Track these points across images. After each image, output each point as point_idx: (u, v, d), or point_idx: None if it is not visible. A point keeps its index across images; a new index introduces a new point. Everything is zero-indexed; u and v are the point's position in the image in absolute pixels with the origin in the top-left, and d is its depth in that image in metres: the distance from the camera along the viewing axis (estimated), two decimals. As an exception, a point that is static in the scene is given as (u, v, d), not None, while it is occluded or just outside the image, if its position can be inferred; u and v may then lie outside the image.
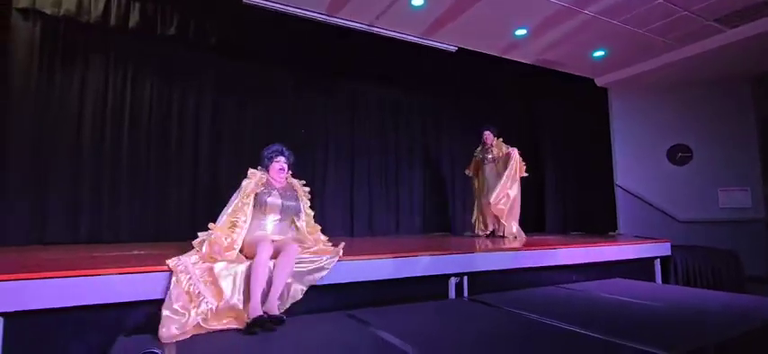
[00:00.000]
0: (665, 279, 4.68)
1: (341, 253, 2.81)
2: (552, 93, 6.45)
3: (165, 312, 2.17)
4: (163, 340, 2.07)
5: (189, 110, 4.71)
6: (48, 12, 3.94)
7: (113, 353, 1.94)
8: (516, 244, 4.15)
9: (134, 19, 4.20)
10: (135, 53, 4.45)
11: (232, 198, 2.77)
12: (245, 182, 2.81)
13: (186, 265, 2.33)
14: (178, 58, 4.65)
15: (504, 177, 4.84)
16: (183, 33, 4.38)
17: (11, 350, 2.00)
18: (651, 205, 6.15)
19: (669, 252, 4.69)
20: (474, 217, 5.36)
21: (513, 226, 4.92)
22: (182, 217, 4.53)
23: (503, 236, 4.91)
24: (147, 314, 2.26)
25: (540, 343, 2.11)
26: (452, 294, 3.24)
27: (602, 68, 6.09)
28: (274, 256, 2.58)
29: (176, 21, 4.39)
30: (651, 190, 6.21)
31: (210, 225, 2.63)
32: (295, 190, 3.02)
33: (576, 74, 6.29)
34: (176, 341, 2.08)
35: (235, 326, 2.30)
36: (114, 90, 4.36)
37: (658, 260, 4.65)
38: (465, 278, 3.30)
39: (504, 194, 4.85)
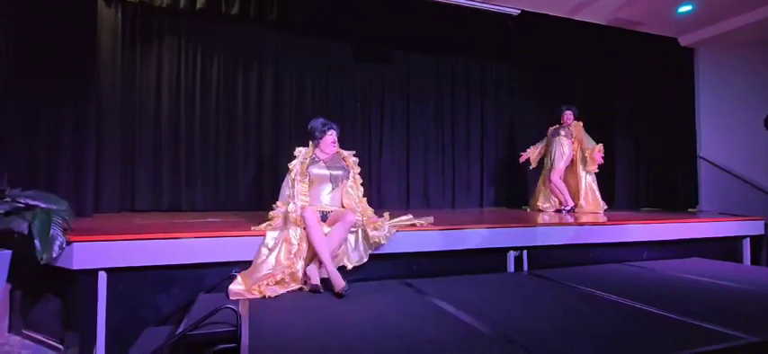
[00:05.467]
0: (756, 261, 4.21)
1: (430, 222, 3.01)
2: (627, 56, 5.87)
3: (242, 273, 2.43)
4: (232, 298, 2.27)
5: (252, 84, 4.95)
6: (127, -2, 4.27)
7: (195, 307, 2.16)
8: (584, 218, 3.98)
9: (201, 1, 4.41)
10: (202, 33, 4.72)
11: (284, 183, 2.88)
12: (292, 164, 2.88)
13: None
14: (241, 36, 4.86)
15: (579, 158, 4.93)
16: (244, 12, 4.54)
17: (112, 300, 2.31)
18: (742, 179, 5.48)
19: (762, 231, 4.20)
20: (536, 192, 5.25)
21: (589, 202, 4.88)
22: (248, 187, 4.85)
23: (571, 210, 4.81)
24: (223, 274, 2.48)
25: (603, 320, 2.02)
26: (511, 268, 3.18)
27: (688, 25, 5.42)
28: (331, 225, 2.70)
29: (238, 0, 4.56)
30: (743, 163, 5.52)
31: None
32: (343, 160, 3.04)
33: (657, 33, 5.66)
34: (249, 300, 2.27)
35: (294, 288, 2.47)
36: (186, 69, 4.69)
37: (748, 239, 4.18)
38: (524, 252, 3.21)
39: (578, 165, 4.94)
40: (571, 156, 4.95)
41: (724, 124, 5.74)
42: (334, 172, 2.90)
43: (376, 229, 2.78)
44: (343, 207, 2.93)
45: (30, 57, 3.31)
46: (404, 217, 3.05)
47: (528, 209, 5.36)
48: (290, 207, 2.70)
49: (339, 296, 2.37)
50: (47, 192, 2.61)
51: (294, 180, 2.81)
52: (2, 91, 3.20)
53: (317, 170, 2.86)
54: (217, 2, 4.43)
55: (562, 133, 4.95)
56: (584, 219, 3.97)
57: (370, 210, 2.98)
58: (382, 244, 2.78)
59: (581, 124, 5.01)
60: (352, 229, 2.74)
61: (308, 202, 2.77)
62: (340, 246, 2.68)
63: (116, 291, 2.33)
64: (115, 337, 2.30)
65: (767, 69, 5.48)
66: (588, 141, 4.90)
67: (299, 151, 2.97)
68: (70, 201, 2.65)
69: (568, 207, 4.82)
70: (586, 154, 4.87)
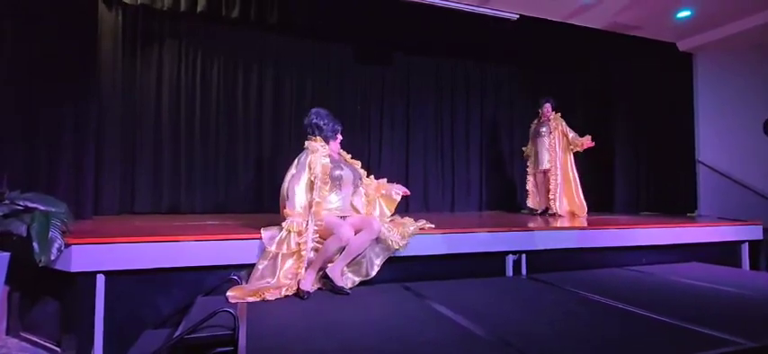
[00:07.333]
0: (755, 266, 4.21)
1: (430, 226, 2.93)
2: (625, 61, 5.89)
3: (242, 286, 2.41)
4: (231, 301, 2.26)
5: (252, 87, 4.97)
6: (127, 1, 4.28)
7: (193, 310, 2.16)
8: (578, 222, 3.97)
9: (201, 4, 4.43)
10: (203, 36, 4.75)
11: (297, 172, 2.63)
12: (314, 158, 2.62)
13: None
14: (241, 39, 4.89)
15: (558, 150, 4.83)
16: (245, 15, 4.56)
17: (110, 303, 2.31)
18: (741, 184, 5.49)
19: (761, 236, 4.20)
20: (529, 194, 5.23)
21: (564, 203, 4.82)
22: (248, 189, 4.86)
23: (554, 214, 4.78)
24: (222, 277, 2.48)
25: (601, 324, 2.02)
26: (510, 272, 3.18)
27: (687, 30, 5.43)
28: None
29: (239, 3, 4.58)
30: (742, 168, 5.52)
31: (288, 211, 2.56)
32: (345, 160, 2.92)
33: (655, 38, 5.68)
34: (247, 303, 2.27)
35: (290, 293, 2.44)
36: (186, 71, 4.71)
37: (746, 244, 4.18)
38: (523, 256, 3.21)
39: (558, 166, 4.83)
40: (554, 154, 4.87)
41: (723, 128, 5.75)
42: (355, 174, 2.80)
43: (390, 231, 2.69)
44: (355, 210, 2.84)
45: (30, 57, 3.31)
46: (419, 223, 2.92)
47: (526, 212, 5.35)
48: (310, 221, 2.50)
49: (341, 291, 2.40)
50: (46, 194, 2.61)
51: (313, 182, 2.56)
52: (2, 91, 3.20)
53: (345, 174, 2.70)
54: (217, 5, 4.45)
55: (542, 131, 4.93)
56: (580, 223, 3.97)
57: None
58: (398, 249, 2.68)
59: (559, 115, 4.97)
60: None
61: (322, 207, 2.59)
62: (359, 253, 2.59)
63: (114, 294, 2.32)
64: (113, 340, 2.29)
65: (766, 74, 5.49)
66: (571, 131, 4.87)
67: (313, 145, 2.68)
68: (70, 203, 2.64)
69: (541, 210, 4.91)
70: (572, 146, 4.81)
